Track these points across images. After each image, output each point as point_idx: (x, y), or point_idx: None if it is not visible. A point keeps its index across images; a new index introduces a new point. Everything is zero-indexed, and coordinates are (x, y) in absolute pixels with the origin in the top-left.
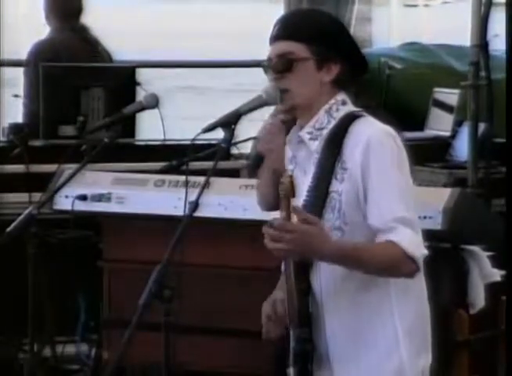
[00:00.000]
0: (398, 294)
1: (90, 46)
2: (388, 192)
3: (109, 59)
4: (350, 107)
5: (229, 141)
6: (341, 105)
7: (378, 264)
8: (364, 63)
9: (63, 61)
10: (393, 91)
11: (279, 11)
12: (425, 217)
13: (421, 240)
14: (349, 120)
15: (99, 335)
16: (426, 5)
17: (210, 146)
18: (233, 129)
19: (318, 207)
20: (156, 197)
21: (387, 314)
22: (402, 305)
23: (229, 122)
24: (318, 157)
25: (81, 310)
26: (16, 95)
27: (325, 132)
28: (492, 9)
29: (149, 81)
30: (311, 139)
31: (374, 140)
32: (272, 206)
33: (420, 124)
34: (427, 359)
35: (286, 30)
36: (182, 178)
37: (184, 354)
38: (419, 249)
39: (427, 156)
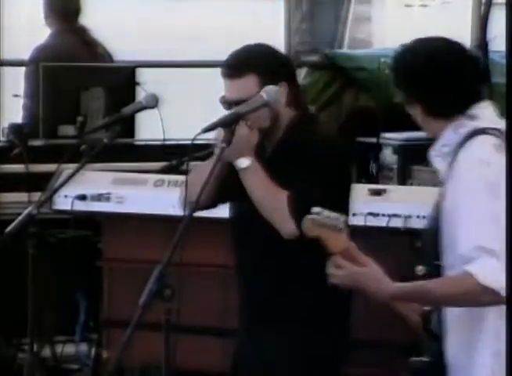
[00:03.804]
0: (495, 317)
1: (90, 48)
2: (472, 219)
3: (110, 60)
4: (478, 123)
5: (229, 141)
6: (469, 120)
7: (451, 298)
8: None
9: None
10: (393, 91)
11: (279, 10)
12: (424, 217)
13: (504, 269)
14: (467, 138)
15: (98, 335)
16: (423, 5)
17: (210, 146)
18: (233, 129)
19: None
20: (155, 196)
21: (483, 337)
22: (497, 327)
23: (229, 122)
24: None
25: (80, 310)
26: (17, 95)
27: (446, 150)
28: (491, 9)
29: (148, 81)
30: (436, 156)
31: (463, 168)
32: (208, 201)
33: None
34: None
35: None
36: (182, 178)
37: (184, 354)
38: (500, 280)
39: (427, 156)
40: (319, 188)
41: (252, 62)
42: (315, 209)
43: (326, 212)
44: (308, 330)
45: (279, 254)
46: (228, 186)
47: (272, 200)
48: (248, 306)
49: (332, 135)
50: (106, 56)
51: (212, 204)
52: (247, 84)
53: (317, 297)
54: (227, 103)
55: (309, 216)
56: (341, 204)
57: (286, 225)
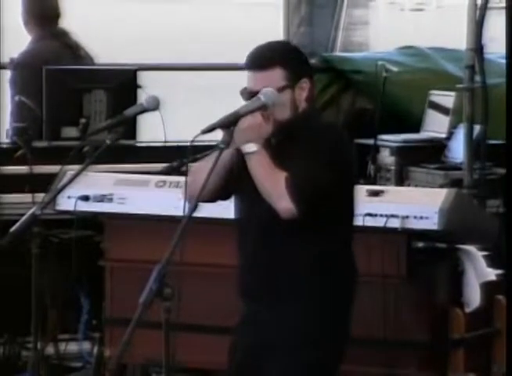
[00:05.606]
0: None
1: (72, 51)
2: None
3: (92, 62)
4: None
5: (228, 142)
6: None
7: None
8: None
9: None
10: (389, 93)
11: (278, 14)
12: (421, 217)
13: None
14: None
15: (101, 333)
16: (419, 10)
17: (209, 147)
18: (232, 131)
19: None
20: (157, 197)
21: None
22: None
23: (228, 123)
24: None
25: (83, 309)
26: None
27: None
28: (486, 12)
29: (150, 84)
30: None
31: None
32: (209, 195)
33: (416, 126)
34: None
35: None
36: (183, 179)
37: (184, 352)
38: None
39: (423, 157)
40: (319, 169)
41: (279, 56)
42: None
43: None
44: (309, 311)
45: (281, 235)
46: (231, 180)
47: (271, 180)
48: (249, 285)
49: (335, 123)
50: (88, 58)
51: (213, 199)
52: (273, 76)
53: (322, 280)
54: (249, 94)
55: None
56: (342, 187)
57: (282, 203)
